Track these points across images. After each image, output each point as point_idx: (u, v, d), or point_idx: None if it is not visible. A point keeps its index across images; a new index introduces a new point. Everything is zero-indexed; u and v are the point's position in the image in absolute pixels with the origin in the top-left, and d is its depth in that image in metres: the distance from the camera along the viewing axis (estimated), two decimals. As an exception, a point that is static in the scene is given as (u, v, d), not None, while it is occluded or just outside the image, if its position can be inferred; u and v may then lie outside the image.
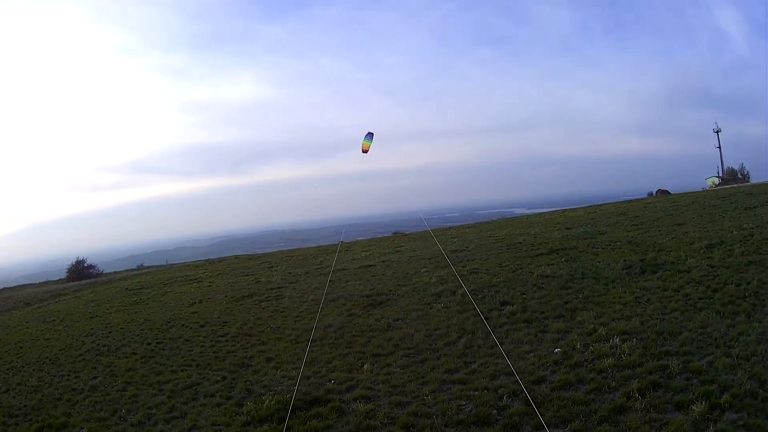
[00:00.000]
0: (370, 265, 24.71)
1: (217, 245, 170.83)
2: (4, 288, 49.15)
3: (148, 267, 50.89)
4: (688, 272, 15.53)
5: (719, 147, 75.51)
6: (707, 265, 15.87)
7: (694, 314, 11.98)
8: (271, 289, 22.71)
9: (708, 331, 10.81)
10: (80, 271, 47.15)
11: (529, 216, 48.18)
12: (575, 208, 45.52)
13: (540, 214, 48.80)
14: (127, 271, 49.12)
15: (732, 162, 74.70)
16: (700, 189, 59.74)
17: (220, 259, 42.00)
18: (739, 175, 68.77)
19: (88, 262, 49.31)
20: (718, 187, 58.21)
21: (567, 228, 28.48)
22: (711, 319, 11.49)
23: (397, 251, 28.49)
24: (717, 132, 75.36)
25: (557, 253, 20.90)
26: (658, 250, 18.97)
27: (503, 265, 20.29)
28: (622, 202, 46.11)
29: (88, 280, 41.74)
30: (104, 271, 49.22)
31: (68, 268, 48.48)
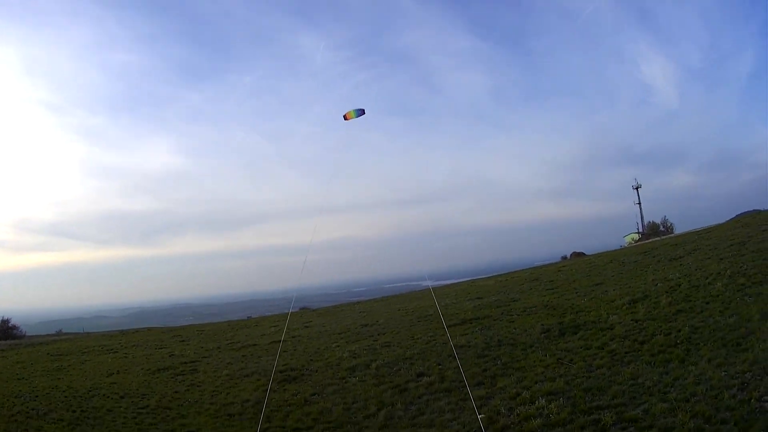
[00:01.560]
0: (281, 341, 24.13)
1: (130, 316, 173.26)
2: None
3: (67, 333, 51.28)
4: (612, 329, 15.41)
5: (639, 203, 77.79)
6: (631, 320, 15.86)
7: (622, 368, 11.81)
8: (186, 362, 22.18)
9: (639, 382, 10.64)
10: (5, 330, 46.13)
11: (437, 287, 48.18)
12: (486, 277, 46.50)
13: (449, 285, 49.43)
14: (47, 335, 49.08)
15: (654, 216, 77.06)
16: (619, 247, 61.59)
17: (135, 331, 42.47)
18: (662, 228, 70.33)
19: (12, 322, 48.05)
20: (638, 243, 60.08)
21: (478, 298, 28.45)
22: (641, 370, 11.34)
23: (306, 326, 28.50)
24: (637, 188, 77.82)
25: (470, 323, 20.55)
26: (577, 312, 18.96)
27: (416, 337, 19.80)
28: (535, 267, 46.91)
29: (12, 341, 40.77)
30: (26, 333, 48.87)
31: (-6, 327, 47.76)
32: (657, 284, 20.24)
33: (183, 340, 30.08)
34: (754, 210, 50.98)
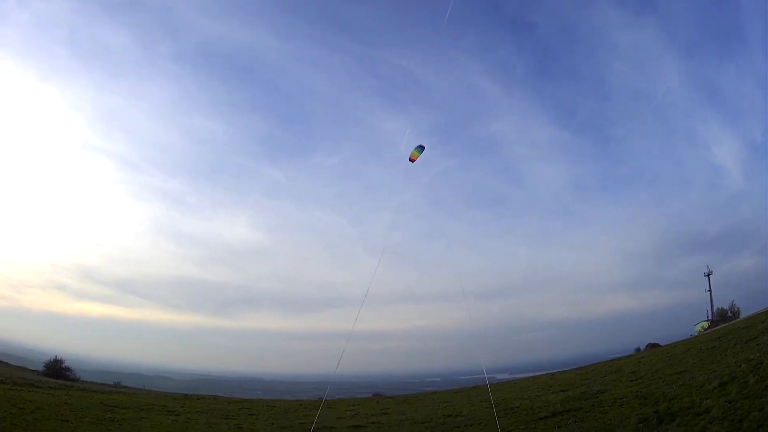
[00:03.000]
0: (359, 426, 23.65)
1: (195, 382, 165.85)
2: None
3: (125, 387, 50.06)
4: (708, 413, 15.21)
5: (710, 290, 75.50)
6: (725, 402, 15.67)
7: None
8: None
9: None
10: (57, 369, 45.98)
11: (516, 380, 47.56)
12: (564, 371, 45.83)
13: (527, 378, 48.30)
14: (103, 384, 47.71)
15: (721, 302, 74.10)
16: (689, 336, 59.29)
17: (199, 397, 40.86)
18: (729, 314, 67.88)
19: (66, 364, 48.31)
20: (707, 330, 57.86)
21: (562, 390, 27.86)
22: None
23: (385, 413, 27.65)
24: (708, 275, 76.18)
25: (561, 416, 20.20)
26: (670, 399, 18.58)
27: (505, 429, 19.45)
28: (613, 360, 45.82)
29: (63, 381, 40.44)
30: (80, 378, 48.30)
31: (46, 363, 47.51)
32: (741, 365, 20.04)
33: (251, 414, 28.93)
34: None
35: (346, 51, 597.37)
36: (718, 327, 52.73)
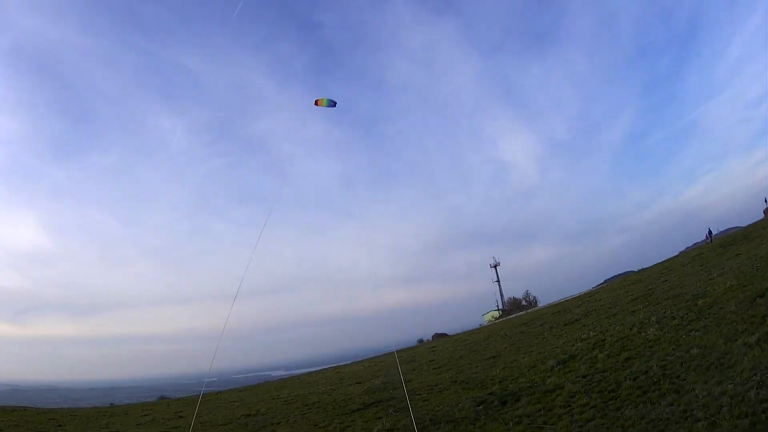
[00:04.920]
0: None
1: (4, 393, 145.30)
2: None
3: None
4: (561, 388, 14.94)
5: (498, 281, 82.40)
6: (578, 377, 15.55)
7: (619, 413, 11.37)
8: None
9: (657, 417, 10.37)
10: None
11: (298, 376, 47.41)
12: (347, 364, 47.05)
13: (308, 373, 48.79)
14: None
15: (515, 293, 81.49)
16: (479, 325, 63.97)
17: (12, 409, 37.36)
18: (524, 302, 74.34)
19: None
20: (499, 319, 62.96)
21: (357, 383, 27.47)
22: (646, 410, 10.96)
23: (180, 417, 26.47)
24: (495, 266, 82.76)
25: (375, 407, 18.89)
26: (500, 381, 18.18)
27: (320, 425, 17.67)
28: (399, 350, 46.08)
29: None
30: None
31: None
32: (574, 344, 20.65)
33: (59, 425, 27.13)
34: (627, 272, 56.55)
35: (135, 47, 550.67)
36: (513, 315, 57.45)
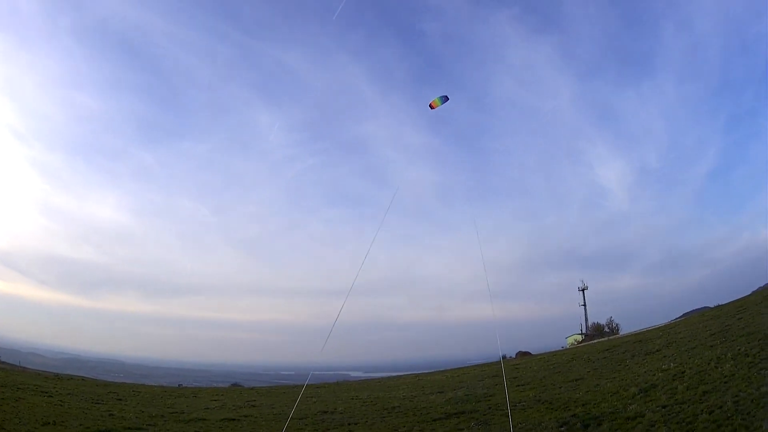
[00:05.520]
0: (233, 419, 23.16)
1: (63, 361, 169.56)
2: None
3: (4, 363, 51.75)
4: (642, 416, 15.91)
5: (584, 305, 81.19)
6: (658, 407, 16.56)
7: None
8: (129, 429, 20.52)
9: None
10: None
11: (378, 379, 48.25)
12: (429, 372, 46.98)
13: (388, 378, 48.84)
14: None
15: (599, 318, 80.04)
16: (561, 348, 63.54)
17: (69, 377, 40.94)
18: (606, 329, 73.06)
19: None
20: (582, 343, 62.42)
21: (439, 392, 28.13)
22: None
23: (253, 406, 27.50)
24: (582, 290, 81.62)
25: (457, 417, 20.07)
26: (583, 405, 18.95)
27: (399, 430, 19.12)
28: (483, 364, 47.26)
29: None
30: None
31: None
32: (655, 374, 21.61)
33: (120, 399, 28.76)
34: (703, 307, 55.42)
35: (230, 40, 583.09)
36: (595, 341, 57.11)
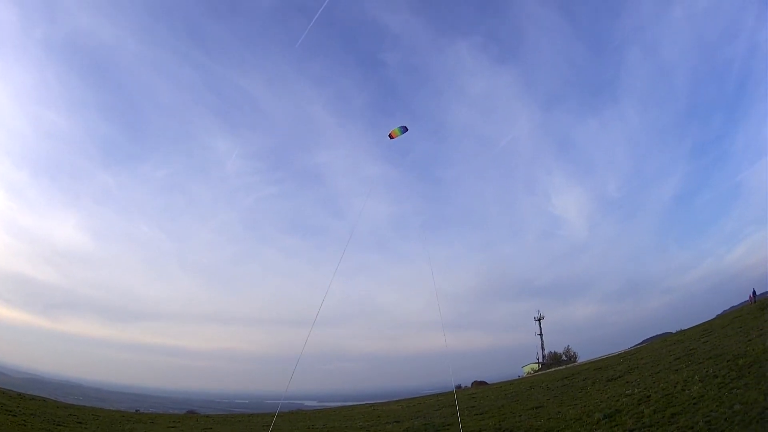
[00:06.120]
0: None
1: (25, 381, 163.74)
2: None
3: None
4: None
5: (540, 334, 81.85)
6: (625, 431, 16.22)
7: None
8: None
9: None
10: None
11: (332, 409, 48.05)
12: (384, 402, 46.96)
13: (343, 407, 49.00)
14: None
15: (555, 347, 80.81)
16: (517, 377, 63.56)
17: (32, 397, 40.11)
18: (564, 357, 73.50)
19: None
20: (538, 372, 62.55)
21: (396, 421, 27.84)
22: None
23: None
24: (539, 320, 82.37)
25: None
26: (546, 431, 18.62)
27: None
28: (438, 394, 47.46)
29: None
30: None
31: None
32: (619, 399, 21.26)
33: (80, 422, 28.30)
34: (665, 333, 56.10)
35: (193, 62, 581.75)
36: (552, 369, 57.12)
